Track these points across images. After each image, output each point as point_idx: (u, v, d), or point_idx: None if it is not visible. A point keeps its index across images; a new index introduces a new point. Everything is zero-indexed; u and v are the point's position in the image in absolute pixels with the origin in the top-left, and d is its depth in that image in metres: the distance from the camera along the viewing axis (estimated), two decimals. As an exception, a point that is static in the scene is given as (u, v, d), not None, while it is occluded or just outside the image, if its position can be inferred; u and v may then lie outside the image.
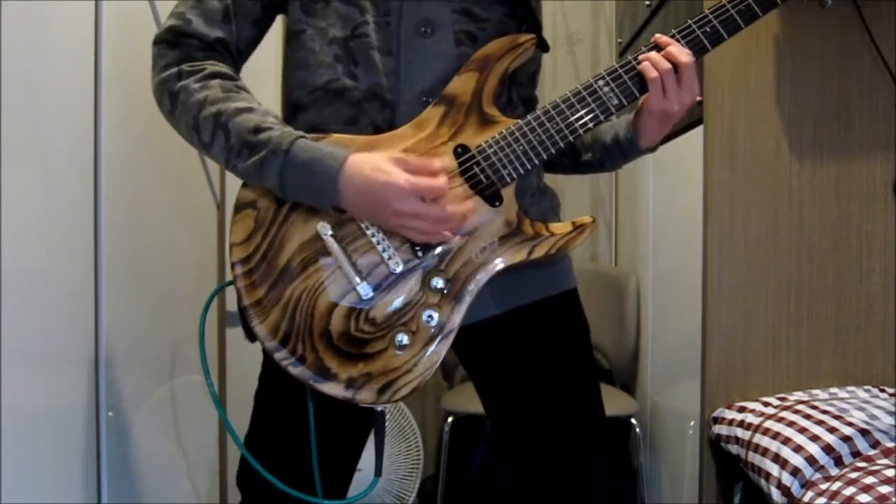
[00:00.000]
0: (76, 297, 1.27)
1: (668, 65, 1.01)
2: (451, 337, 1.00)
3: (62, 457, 1.23)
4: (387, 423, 2.26)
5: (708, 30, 1.03)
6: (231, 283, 1.02)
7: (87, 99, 1.30)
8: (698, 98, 1.16)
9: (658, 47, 1.03)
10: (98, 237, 1.32)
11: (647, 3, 2.24)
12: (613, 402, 2.26)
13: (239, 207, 1.02)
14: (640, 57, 1.03)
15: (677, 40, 1.03)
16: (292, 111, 1.09)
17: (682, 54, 1.01)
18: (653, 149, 1.13)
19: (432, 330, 0.99)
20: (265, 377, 1.13)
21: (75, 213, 1.27)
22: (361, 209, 0.98)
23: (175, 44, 1.03)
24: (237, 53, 1.08)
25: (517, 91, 1.14)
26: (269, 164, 0.96)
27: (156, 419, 1.58)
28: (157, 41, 1.04)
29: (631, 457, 2.37)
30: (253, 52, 1.12)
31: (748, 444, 1.53)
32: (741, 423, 1.59)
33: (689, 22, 1.04)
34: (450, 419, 2.27)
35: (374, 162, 0.96)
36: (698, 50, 1.03)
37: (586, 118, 1.02)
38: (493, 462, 2.49)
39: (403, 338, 0.98)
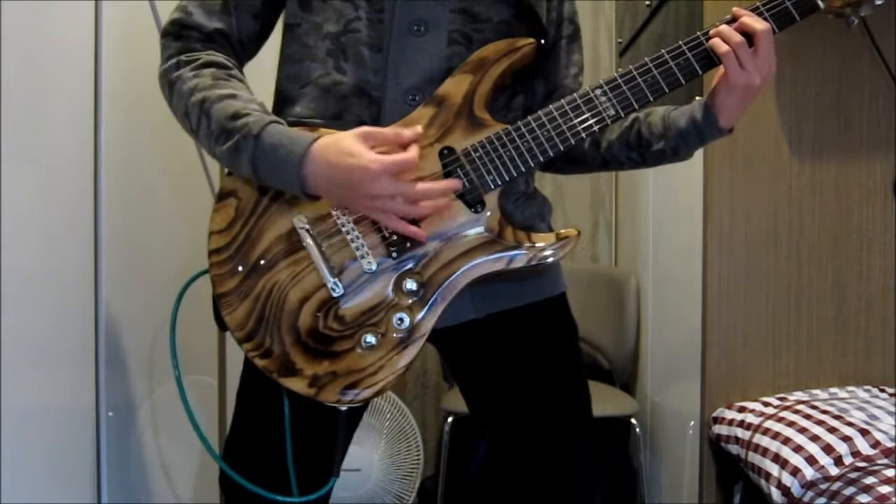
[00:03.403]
0: (76, 296, 1.27)
1: (739, 37, 0.97)
2: (422, 342, 0.98)
3: (62, 457, 1.23)
4: (387, 424, 2.27)
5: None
6: (206, 272, 1.02)
7: (87, 99, 1.30)
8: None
9: (733, 20, 0.99)
10: (98, 236, 1.32)
11: (647, 3, 2.24)
12: (613, 402, 2.26)
13: (221, 196, 1.02)
14: (712, 32, 0.99)
15: (761, 13, 0.99)
16: (281, 104, 1.08)
17: (757, 23, 0.97)
18: (731, 130, 1.07)
19: (402, 333, 0.97)
20: (245, 375, 1.12)
21: (75, 213, 1.27)
22: (334, 196, 0.96)
23: (178, 36, 1.04)
24: (239, 45, 1.08)
25: (561, 93, 1.12)
26: (242, 149, 0.95)
27: (156, 419, 1.57)
28: (163, 34, 1.05)
29: (631, 457, 2.37)
30: (259, 46, 1.12)
31: (748, 444, 1.53)
32: (741, 423, 1.59)
33: None
34: (450, 419, 2.27)
35: (340, 145, 0.93)
36: (785, 20, 0.99)
37: (579, 127, 1.00)
38: (493, 462, 2.49)
39: (371, 339, 0.97)
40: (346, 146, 0.93)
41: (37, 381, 1.16)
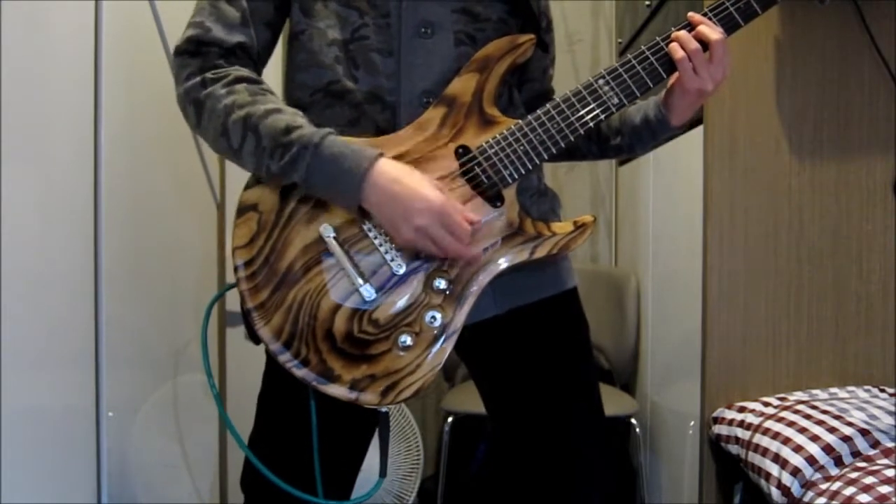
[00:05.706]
0: (76, 297, 1.27)
1: (695, 44, 1.01)
2: (455, 337, 1.00)
3: (62, 457, 1.23)
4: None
5: (741, 6, 1.03)
6: (233, 286, 1.02)
7: (87, 99, 1.30)
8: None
9: (690, 26, 1.03)
10: (98, 237, 1.32)
11: (647, 3, 2.24)
12: (613, 402, 2.26)
13: (242, 210, 1.02)
14: (673, 35, 1.03)
15: (710, 18, 1.03)
16: None
17: (713, 32, 1.01)
18: (682, 127, 1.12)
19: (435, 331, 0.99)
20: (269, 378, 1.13)
21: (75, 213, 1.27)
22: (383, 212, 0.97)
23: (196, 53, 1.02)
24: (257, 57, 1.08)
25: (529, 86, 1.15)
26: (299, 159, 0.96)
27: (156, 419, 1.57)
28: (178, 52, 1.03)
29: (631, 457, 2.37)
30: (270, 55, 1.12)
31: (748, 444, 1.53)
32: (741, 423, 1.59)
33: None
34: (450, 419, 2.27)
35: (414, 172, 0.97)
36: (731, 27, 1.03)
37: (587, 117, 1.02)
38: (493, 462, 2.49)
39: (407, 339, 0.98)
40: (419, 175, 0.97)
41: (37, 381, 1.16)
